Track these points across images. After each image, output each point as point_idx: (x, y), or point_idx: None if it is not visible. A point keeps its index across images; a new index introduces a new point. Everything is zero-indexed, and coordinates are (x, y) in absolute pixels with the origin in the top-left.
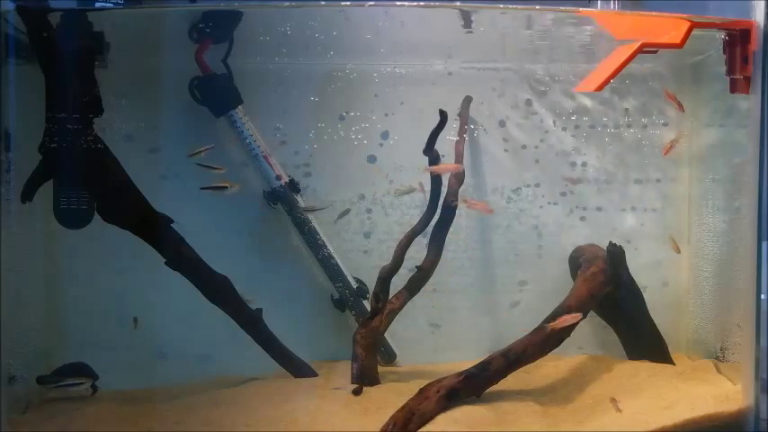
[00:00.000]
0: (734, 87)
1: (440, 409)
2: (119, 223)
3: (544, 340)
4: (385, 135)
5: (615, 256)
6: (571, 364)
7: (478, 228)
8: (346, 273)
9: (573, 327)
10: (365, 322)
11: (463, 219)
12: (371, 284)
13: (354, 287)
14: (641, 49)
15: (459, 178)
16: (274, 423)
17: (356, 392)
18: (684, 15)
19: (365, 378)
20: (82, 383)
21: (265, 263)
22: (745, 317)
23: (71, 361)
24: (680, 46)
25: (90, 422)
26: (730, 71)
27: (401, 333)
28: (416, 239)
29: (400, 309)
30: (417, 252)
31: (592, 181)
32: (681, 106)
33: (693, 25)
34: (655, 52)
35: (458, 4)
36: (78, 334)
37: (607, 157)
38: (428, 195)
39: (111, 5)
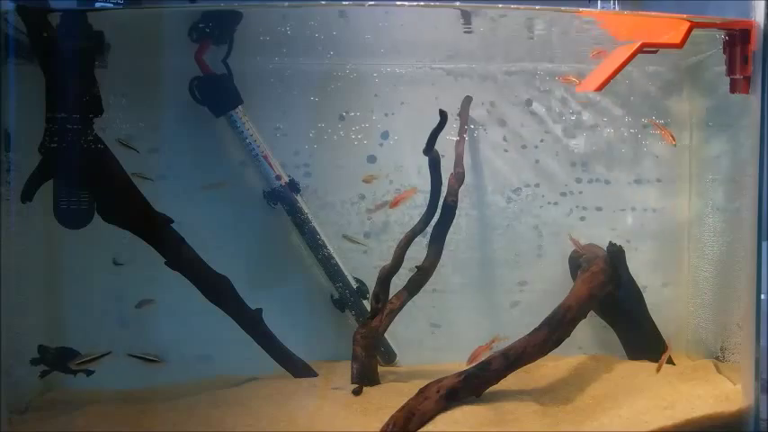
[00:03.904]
0: (734, 87)
1: (440, 409)
2: (119, 223)
3: (544, 340)
4: (385, 135)
5: (615, 256)
6: (571, 364)
7: (478, 228)
8: (346, 273)
9: (573, 326)
10: (365, 322)
11: (463, 219)
12: (371, 284)
13: (354, 287)
14: (641, 49)
15: (459, 178)
16: (275, 423)
17: (356, 392)
18: (684, 15)
19: (365, 378)
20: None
21: (265, 263)
22: (745, 317)
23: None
24: (680, 46)
25: (90, 422)
26: (730, 71)
27: (401, 333)
28: (416, 239)
29: (400, 309)
30: (417, 252)
31: (593, 181)
32: (672, 137)
33: (693, 25)
34: (655, 52)
35: (458, 4)
36: (78, 334)
37: (607, 156)
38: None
39: (111, 5)
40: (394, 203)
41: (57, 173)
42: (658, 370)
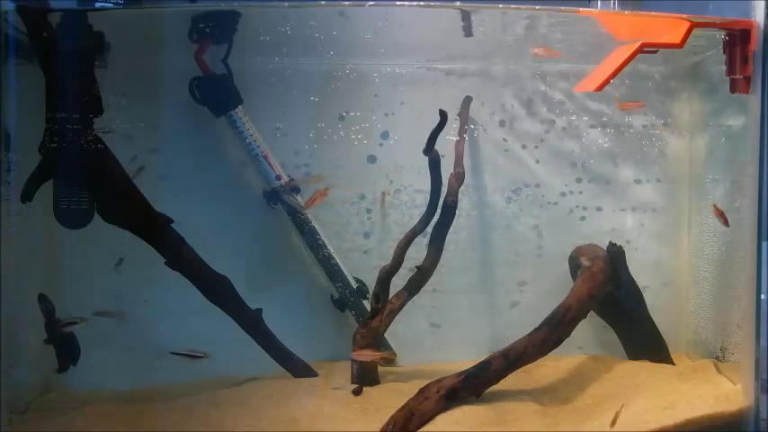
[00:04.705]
0: (734, 87)
1: (440, 409)
2: (119, 223)
3: (544, 340)
4: (385, 135)
5: (615, 256)
6: (571, 364)
7: (478, 228)
8: (346, 273)
9: (573, 326)
10: (365, 322)
11: (463, 219)
12: (371, 284)
13: (354, 287)
14: (641, 49)
15: (459, 178)
16: (275, 423)
17: (356, 392)
18: (684, 15)
19: (365, 378)
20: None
21: (265, 263)
22: (745, 317)
23: None
24: (680, 46)
25: (90, 422)
26: (730, 71)
27: (401, 333)
28: (416, 239)
29: (400, 309)
30: (417, 252)
31: (593, 181)
32: (725, 219)
33: (693, 25)
34: (655, 52)
35: (458, 4)
36: (78, 333)
37: (607, 156)
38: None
39: (111, 5)
40: (309, 203)
41: (57, 173)
42: (612, 425)
